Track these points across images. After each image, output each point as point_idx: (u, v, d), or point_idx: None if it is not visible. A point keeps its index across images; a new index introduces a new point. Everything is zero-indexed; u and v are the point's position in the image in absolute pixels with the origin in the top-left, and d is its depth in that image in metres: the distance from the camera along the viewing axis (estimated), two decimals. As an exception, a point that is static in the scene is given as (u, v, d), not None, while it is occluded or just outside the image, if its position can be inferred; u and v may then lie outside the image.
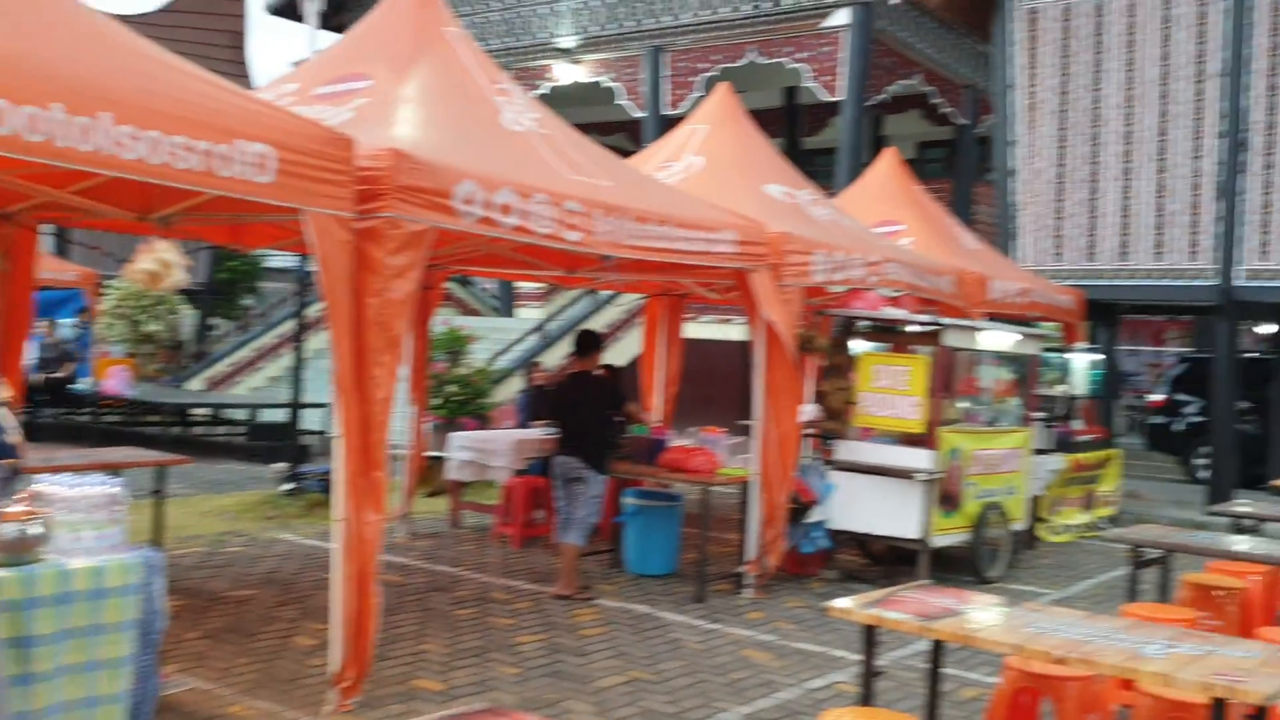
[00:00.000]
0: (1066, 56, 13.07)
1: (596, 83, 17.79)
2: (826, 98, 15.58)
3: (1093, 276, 13.01)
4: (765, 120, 19.32)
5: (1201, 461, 15.02)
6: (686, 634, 6.79)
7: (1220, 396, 12.51)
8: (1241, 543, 6.49)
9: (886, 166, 11.54)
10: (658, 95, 16.87)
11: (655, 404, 10.51)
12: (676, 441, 8.51)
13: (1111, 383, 14.68)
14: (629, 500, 8.38)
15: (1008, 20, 13.33)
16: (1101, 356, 14.11)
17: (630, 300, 15.87)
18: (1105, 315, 13.75)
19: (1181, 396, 16.22)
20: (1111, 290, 12.96)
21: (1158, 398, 16.97)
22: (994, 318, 10.28)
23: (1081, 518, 11.23)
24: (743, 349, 13.24)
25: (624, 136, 21.15)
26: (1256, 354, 16.59)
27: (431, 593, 7.48)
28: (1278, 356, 14.42)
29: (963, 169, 18.64)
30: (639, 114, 17.28)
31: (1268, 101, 11.84)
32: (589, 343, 7.87)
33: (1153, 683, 3.75)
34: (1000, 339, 9.16)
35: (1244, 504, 8.51)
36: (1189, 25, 12.27)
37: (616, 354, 15.05)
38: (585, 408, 7.58)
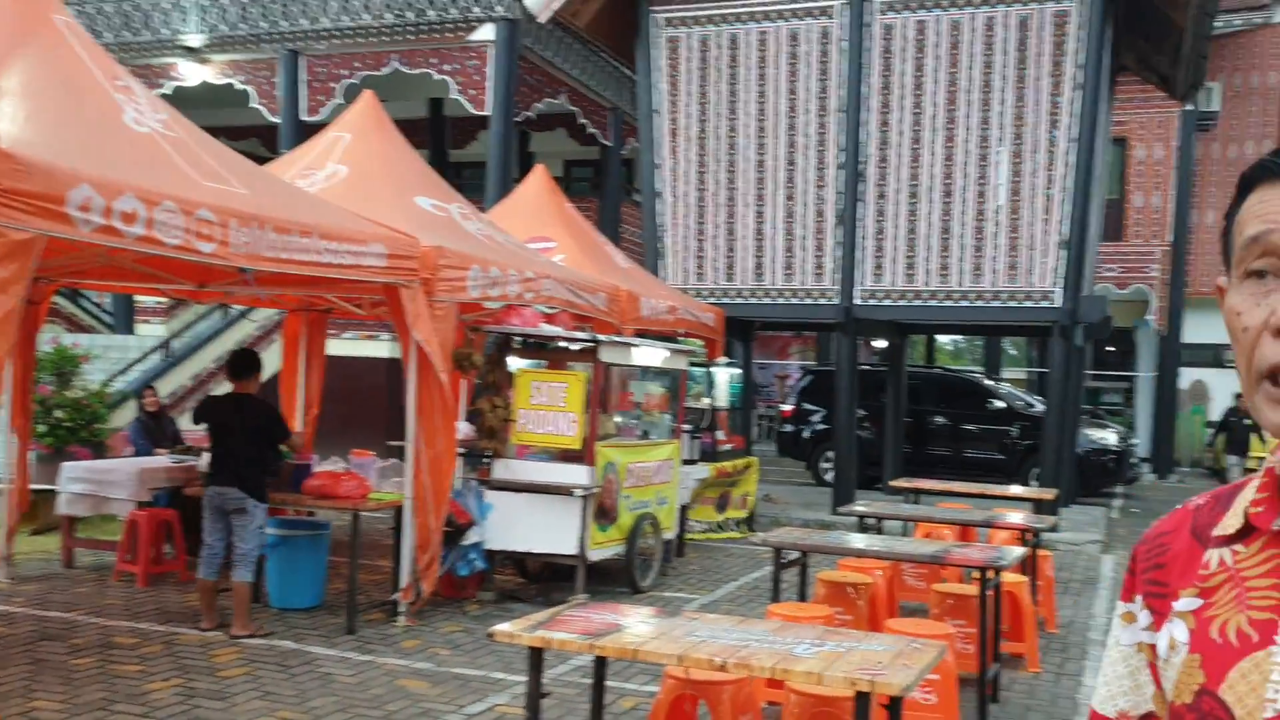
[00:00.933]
0: (705, 85, 13.73)
1: (228, 84, 16.77)
2: (474, 112, 15.50)
3: (731, 295, 13.72)
4: (411, 131, 18.92)
5: (827, 465, 16.22)
6: (338, 668, 6.43)
7: (841, 406, 13.53)
8: (867, 541, 6.97)
9: (537, 183, 11.60)
10: (296, 101, 16.14)
11: (296, 426, 9.97)
12: (322, 466, 8.09)
13: (748, 394, 15.56)
14: (271, 531, 7.85)
15: (650, 48, 13.82)
16: (739, 370, 14.93)
17: (266, 315, 15.02)
18: (742, 331, 14.54)
19: (808, 406, 17.45)
20: (748, 308, 13.72)
21: (788, 407, 18.16)
22: (644, 334, 10.56)
23: (715, 518, 11.80)
24: (393, 366, 12.88)
25: (258, 142, 20.10)
26: (870, 366, 18.16)
27: (42, 642, 6.65)
28: (890, 368, 15.84)
29: (610, 189, 19.15)
30: (274, 119, 16.45)
31: (880, 137, 12.98)
32: (246, 364, 7.34)
33: (805, 681, 3.91)
34: (652, 355, 9.41)
35: (864, 504, 9.20)
36: (814, 63, 13.24)
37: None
38: (243, 433, 7.05)
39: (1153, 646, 1.17)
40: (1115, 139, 19.74)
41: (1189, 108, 20.01)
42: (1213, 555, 1.13)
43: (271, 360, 13.09)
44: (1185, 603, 1.13)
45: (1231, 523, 1.13)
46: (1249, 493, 1.14)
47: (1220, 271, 1.15)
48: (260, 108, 16.56)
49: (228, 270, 7.10)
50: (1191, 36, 12.92)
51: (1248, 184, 1.09)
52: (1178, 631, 1.13)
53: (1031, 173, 12.41)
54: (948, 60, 12.63)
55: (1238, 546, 1.11)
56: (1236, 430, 18.13)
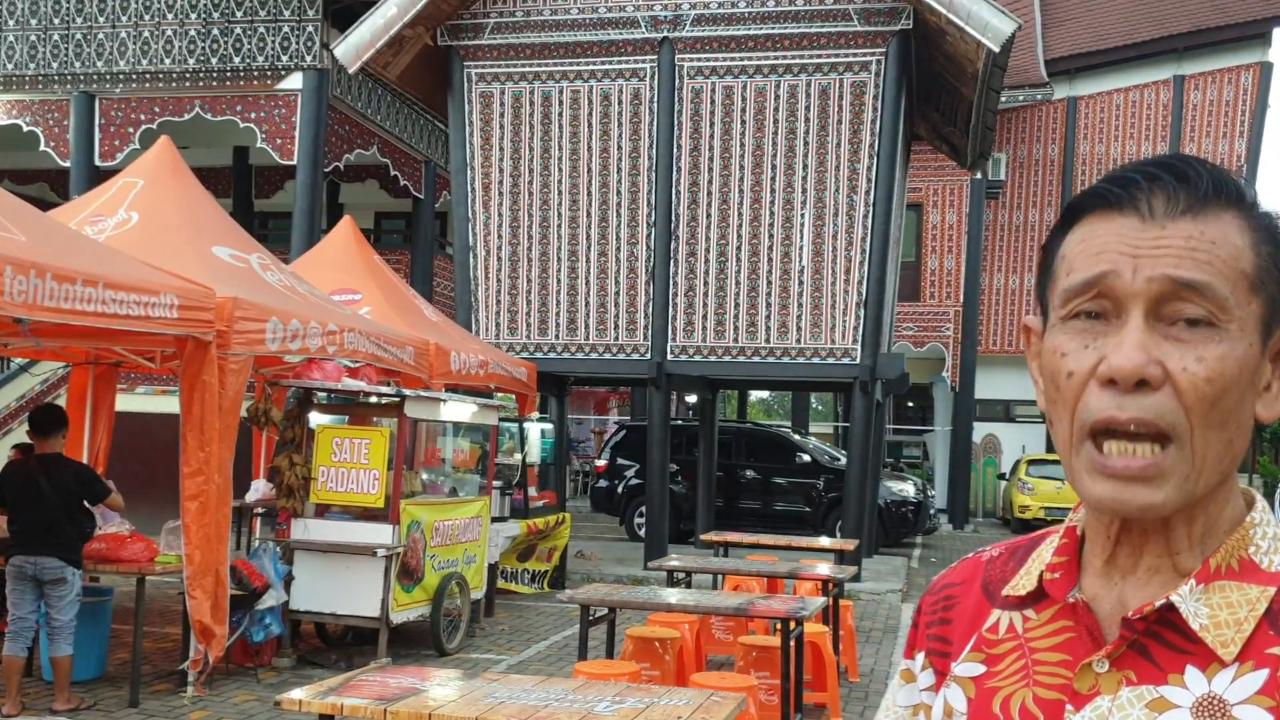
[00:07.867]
0: (518, 141, 13.77)
1: (15, 125, 15.87)
2: (280, 161, 15.11)
3: (545, 350, 13.70)
4: (214, 179, 18.31)
5: (641, 521, 16.28)
6: (116, 746, 6.01)
7: (653, 460, 13.63)
8: (675, 595, 7.00)
9: (343, 234, 11.35)
10: (91, 145, 15.39)
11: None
12: (107, 528, 7.60)
13: (562, 450, 15.51)
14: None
15: (462, 102, 13.79)
16: (551, 425, 14.88)
17: (50, 369, 14.16)
18: (556, 386, 14.52)
19: (622, 461, 17.51)
20: (561, 363, 13.72)
21: (602, 463, 18.19)
22: (454, 389, 10.41)
23: (515, 565, 11.59)
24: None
25: (46, 186, 19.12)
26: (683, 421, 18.42)
27: None
28: (702, 423, 16.08)
29: (421, 241, 18.93)
30: (64, 164, 15.64)
31: (689, 196, 13.26)
32: (52, 420, 6.87)
33: (605, 741, 3.86)
34: (460, 410, 9.28)
35: (676, 559, 9.25)
36: (625, 123, 13.46)
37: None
38: (55, 496, 6.56)
39: (930, 709, 1.04)
40: (911, 204, 20.77)
41: (978, 176, 21.26)
42: (1002, 618, 1.01)
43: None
44: (966, 667, 1.01)
45: (1024, 583, 1.00)
46: (1045, 552, 1.02)
47: (1025, 316, 1.05)
48: (50, 151, 15.74)
49: (3, 321, 6.66)
50: (979, 110, 13.74)
51: (1075, 213, 0.97)
52: (955, 698, 1.00)
53: (833, 235, 12.90)
54: (753, 125, 13.05)
55: (1029, 612, 1.00)
56: None
